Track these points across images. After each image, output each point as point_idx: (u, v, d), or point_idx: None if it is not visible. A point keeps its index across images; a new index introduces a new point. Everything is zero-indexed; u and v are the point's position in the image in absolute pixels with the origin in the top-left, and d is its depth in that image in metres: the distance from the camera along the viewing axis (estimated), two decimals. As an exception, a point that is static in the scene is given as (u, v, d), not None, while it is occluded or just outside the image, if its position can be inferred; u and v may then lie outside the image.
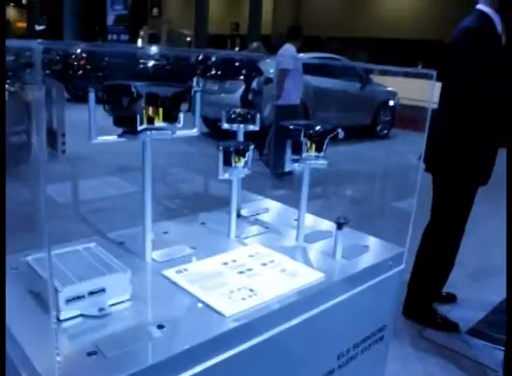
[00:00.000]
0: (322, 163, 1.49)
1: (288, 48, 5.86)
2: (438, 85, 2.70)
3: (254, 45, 7.28)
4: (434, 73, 1.54)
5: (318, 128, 1.47)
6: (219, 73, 7.54)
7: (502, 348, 2.44)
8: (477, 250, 3.76)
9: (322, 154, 1.48)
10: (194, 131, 1.49)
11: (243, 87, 7.32)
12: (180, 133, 1.39)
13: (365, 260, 1.49)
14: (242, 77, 6.97)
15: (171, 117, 1.35)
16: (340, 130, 1.48)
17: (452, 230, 2.94)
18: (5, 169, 0.90)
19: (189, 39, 24.86)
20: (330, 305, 1.33)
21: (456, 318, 3.06)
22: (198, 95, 1.48)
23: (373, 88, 9.02)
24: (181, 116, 1.37)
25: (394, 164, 4.43)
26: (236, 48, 23.76)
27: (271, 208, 1.95)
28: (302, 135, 1.44)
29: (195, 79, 1.48)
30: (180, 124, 1.37)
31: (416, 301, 3.08)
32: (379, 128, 9.32)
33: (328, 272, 1.37)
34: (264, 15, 24.75)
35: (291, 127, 1.47)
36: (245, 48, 22.01)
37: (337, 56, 8.78)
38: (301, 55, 8.94)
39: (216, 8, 30.16)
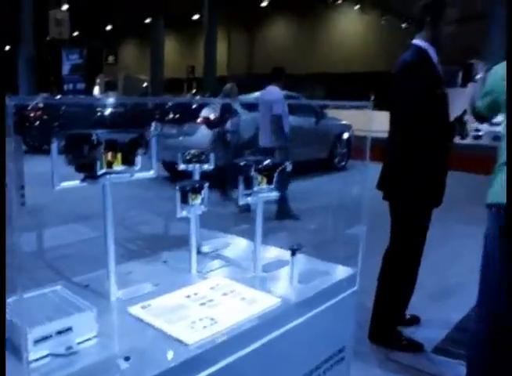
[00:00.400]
0: (273, 195, 1.60)
1: (274, 91, 5.88)
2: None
3: (228, 86, 7.39)
4: (370, 104, 1.67)
5: (267, 162, 1.58)
6: (176, 117, 7.70)
7: (464, 363, 2.54)
8: (435, 272, 3.90)
9: (272, 186, 1.59)
10: (151, 173, 1.58)
11: (201, 129, 7.47)
12: (138, 175, 1.48)
13: (320, 283, 1.59)
14: (215, 119, 7.07)
15: (129, 161, 1.44)
16: (288, 163, 1.59)
17: (410, 254, 3.05)
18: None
19: (145, 84, 25.11)
20: (289, 328, 1.41)
21: (421, 338, 3.15)
22: (154, 139, 1.58)
23: (327, 122, 9.31)
24: (138, 159, 1.46)
25: (352, 194, 4.61)
26: (193, 91, 24.11)
27: (231, 243, 2.03)
28: (253, 170, 1.54)
29: (153, 124, 1.57)
30: (138, 167, 1.46)
31: (381, 325, 3.16)
32: (336, 160, 9.60)
33: (285, 297, 1.46)
34: (219, 57, 25.35)
35: (242, 163, 1.57)
36: (201, 90, 22.37)
37: (294, 94, 9.04)
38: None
39: (171, 52, 30.72)
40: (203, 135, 7.35)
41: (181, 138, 7.23)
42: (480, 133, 10.87)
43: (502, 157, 2.19)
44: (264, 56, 28.23)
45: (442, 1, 2.77)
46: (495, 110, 2.35)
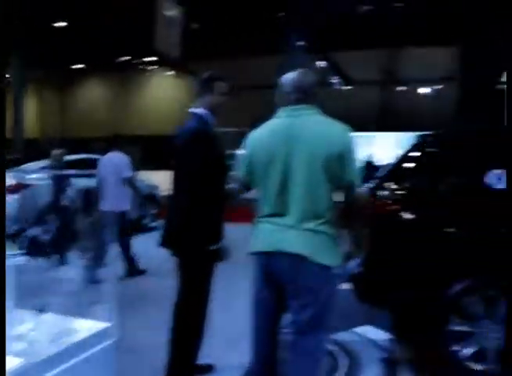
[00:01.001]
0: (18, 260, 1.65)
1: (119, 155, 6.04)
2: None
3: (56, 152, 7.00)
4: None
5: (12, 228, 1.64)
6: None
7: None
8: (229, 319, 4.09)
9: (19, 252, 1.65)
10: None
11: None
12: None
13: (71, 339, 1.65)
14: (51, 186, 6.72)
15: None
16: (35, 229, 1.66)
17: (198, 304, 3.21)
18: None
19: None
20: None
21: (215, 384, 3.29)
22: None
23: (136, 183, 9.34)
24: None
25: (153, 254, 4.64)
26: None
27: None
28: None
29: None
30: None
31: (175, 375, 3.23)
32: (145, 221, 9.55)
33: (29, 357, 1.49)
34: (29, 120, 24.10)
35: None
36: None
37: (96, 156, 9.02)
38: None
39: (-27, 113, 28.35)
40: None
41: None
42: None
43: (261, 211, 2.49)
44: (78, 119, 27.61)
45: (213, 76, 3.15)
46: (252, 177, 2.50)
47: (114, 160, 6.00)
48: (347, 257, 2.43)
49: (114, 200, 5.88)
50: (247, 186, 2.62)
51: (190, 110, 3.22)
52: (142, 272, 6.06)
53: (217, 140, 3.20)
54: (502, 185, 3.28)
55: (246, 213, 2.71)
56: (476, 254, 3.29)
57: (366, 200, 2.52)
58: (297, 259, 2.27)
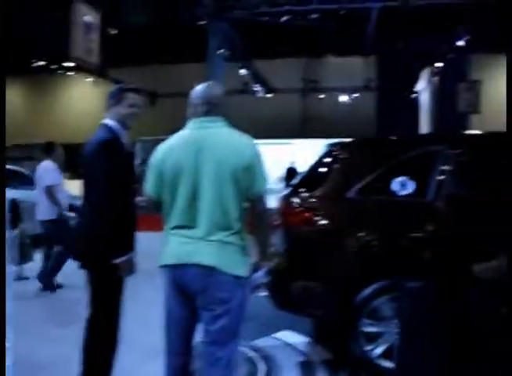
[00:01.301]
0: None
1: (48, 164, 5.99)
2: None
3: None
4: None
5: None
6: None
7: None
8: (138, 333, 3.98)
9: None
10: None
11: None
12: None
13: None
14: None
15: None
16: None
17: (107, 317, 3.12)
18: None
19: None
20: None
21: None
22: None
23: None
24: None
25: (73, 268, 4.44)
26: None
27: None
28: None
29: None
30: None
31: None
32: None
33: None
34: None
35: None
36: None
37: (14, 168, 8.62)
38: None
39: None
40: None
41: None
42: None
43: (169, 223, 2.48)
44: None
45: (123, 88, 3.09)
46: (161, 190, 2.44)
47: (41, 169, 6.05)
48: (255, 267, 2.47)
49: (43, 209, 5.90)
50: (157, 202, 2.56)
51: (102, 120, 3.16)
52: (59, 287, 5.92)
53: (126, 151, 3.15)
54: (406, 191, 3.45)
55: (158, 221, 2.66)
56: (384, 258, 3.44)
57: (273, 212, 2.58)
58: (207, 271, 2.29)
